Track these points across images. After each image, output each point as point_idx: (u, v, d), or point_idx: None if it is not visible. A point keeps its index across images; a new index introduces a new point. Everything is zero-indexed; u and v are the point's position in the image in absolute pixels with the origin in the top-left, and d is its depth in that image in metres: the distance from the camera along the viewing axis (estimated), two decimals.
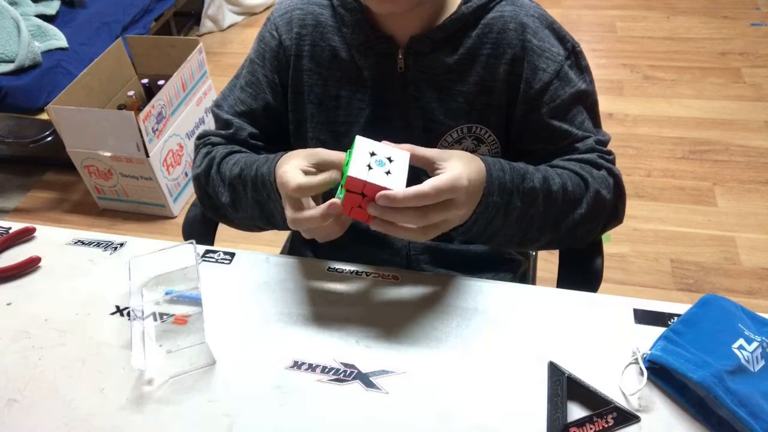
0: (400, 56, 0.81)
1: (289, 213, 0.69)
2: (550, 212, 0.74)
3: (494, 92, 0.81)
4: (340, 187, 0.65)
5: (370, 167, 0.63)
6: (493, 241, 0.75)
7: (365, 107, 0.84)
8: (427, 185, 0.62)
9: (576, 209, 0.76)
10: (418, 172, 0.67)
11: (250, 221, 0.84)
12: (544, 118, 0.80)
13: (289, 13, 0.87)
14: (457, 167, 0.65)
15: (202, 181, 0.85)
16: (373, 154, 0.64)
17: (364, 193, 0.63)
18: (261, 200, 0.78)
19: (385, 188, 0.62)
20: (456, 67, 0.81)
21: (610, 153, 0.82)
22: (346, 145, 0.68)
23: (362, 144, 0.65)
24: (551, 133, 0.81)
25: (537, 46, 0.79)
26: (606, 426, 0.61)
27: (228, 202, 0.82)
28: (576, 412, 0.63)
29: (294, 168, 0.68)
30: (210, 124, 2.30)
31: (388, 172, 0.63)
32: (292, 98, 0.88)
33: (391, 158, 0.64)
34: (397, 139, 0.68)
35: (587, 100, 0.82)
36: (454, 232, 0.73)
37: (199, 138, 0.90)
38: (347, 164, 0.64)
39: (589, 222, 0.78)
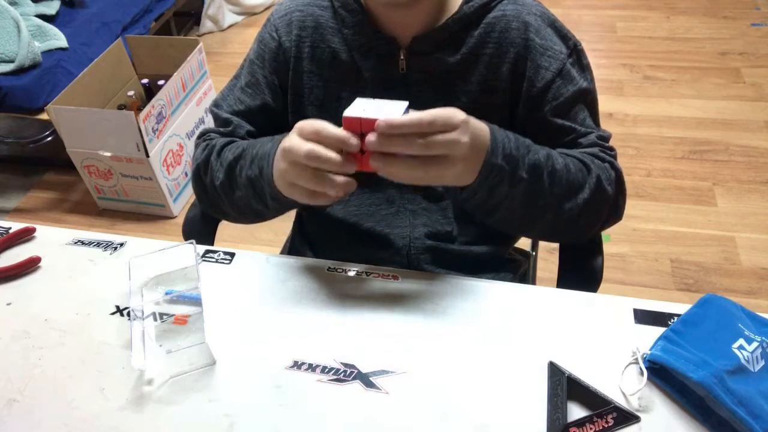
0: (402, 57, 0.81)
1: (304, 146, 0.64)
2: (554, 190, 0.73)
3: (497, 91, 0.81)
4: None
5: (365, 110, 0.64)
6: (495, 213, 0.74)
7: None
8: (425, 112, 0.62)
9: (579, 193, 0.75)
10: None
11: (244, 204, 0.82)
12: (546, 117, 0.80)
13: (288, 15, 0.87)
14: (457, 110, 0.64)
15: (201, 170, 0.85)
16: (368, 106, 0.65)
17: (363, 132, 0.63)
18: (254, 177, 0.76)
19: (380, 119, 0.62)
20: (458, 67, 0.81)
21: (611, 149, 0.82)
22: None
23: (360, 101, 0.67)
24: (554, 131, 0.81)
25: (540, 45, 0.79)
26: (606, 426, 0.61)
27: (223, 182, 0.81)
28: (576, 412, 0.63)
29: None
30: (210, 124, 2.30)
31: (384, 112, 0.63)
32: (292, 100, 0.88)
33: (388, 105, 0.65)
34: None
35: (588, 98, 0.82)
36: (461, 195, 0.71)
37: (199, 137, 0.91)
38: None
39: (592, 212, 0.77)
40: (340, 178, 0.65)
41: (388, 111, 0.63)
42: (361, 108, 0.64)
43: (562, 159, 0.75)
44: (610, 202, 0.79)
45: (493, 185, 0.69)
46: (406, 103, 0.65)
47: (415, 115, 0.61)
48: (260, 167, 0.75)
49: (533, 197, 0.73)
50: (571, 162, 0.76)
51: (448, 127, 0.62)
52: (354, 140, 0.63)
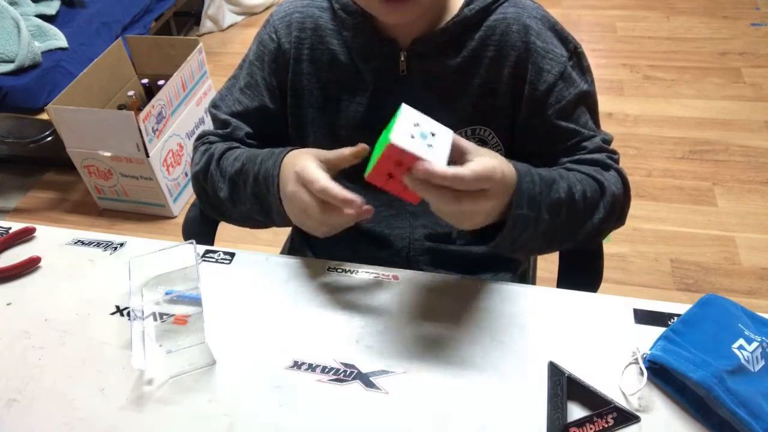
0: (403, 59, 0.81)
1: (318, 215, 0.69)
2: (572, 220, 0.75)
3: (498, 94, 0.81)
4: (373, 158, 0.62)
5: (412, 137, 0.59)
6: (516, 250, 0.75)
7: (366, 111, 0.84)
8: (467, 169, 0.60)
9: (594, 215, 0.77)
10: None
11: (247, 215, 0.84)
12: (551, 119, 0.80)
13: (288, 16, 0.86)
14: (492, 161, 0.63)
15: (200, 177, 0.85)
16: (417, 125, 0.60)
17: (401, 161, 0.59)
18: (260, 194, 0.77)
19: (424, 160, 0.58)
20: (459, 69, 0.81)
21: (615, 152, 0.83)
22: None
23: (407, 112, 0.61)
24: (559, 134, 0.81)
25: (541, 48, 0.79)
26: (606, 426, 0.61)
27: (226, 197, 0.82)
28: (576, 412, 0.63)
29: (315, 166, 0.69)
30: (209, 124, 2.30)
31: (430, 146, 0.59)
32: (291, 102, 0.88)
33: (435, 133, 0.61)
34: None
35: (589, 101, 0.82)
36: (487, 245, 0.72)
37: (197, 139, 0.91)
38: (388, 130, 0.60)
39: (606, 225, 0.79)
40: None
41: (434, 143, 0.60)
42: (407, 125, 0.60)
43: (580, 186, 0.75)
44: (619, 210, 0.80)
45: (518, 232, 0.70)
46: (451, 134, 0.62)
47: (454, 170, 0.59)
48: (267, 187, 0.75)
49: (554, 233, 0.74)
50: (588, 185, 0.76)
51: (486, 185, 0.62)
52: (358, 200, 0.66)
